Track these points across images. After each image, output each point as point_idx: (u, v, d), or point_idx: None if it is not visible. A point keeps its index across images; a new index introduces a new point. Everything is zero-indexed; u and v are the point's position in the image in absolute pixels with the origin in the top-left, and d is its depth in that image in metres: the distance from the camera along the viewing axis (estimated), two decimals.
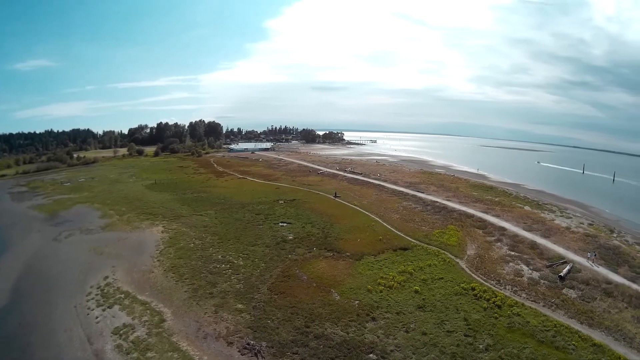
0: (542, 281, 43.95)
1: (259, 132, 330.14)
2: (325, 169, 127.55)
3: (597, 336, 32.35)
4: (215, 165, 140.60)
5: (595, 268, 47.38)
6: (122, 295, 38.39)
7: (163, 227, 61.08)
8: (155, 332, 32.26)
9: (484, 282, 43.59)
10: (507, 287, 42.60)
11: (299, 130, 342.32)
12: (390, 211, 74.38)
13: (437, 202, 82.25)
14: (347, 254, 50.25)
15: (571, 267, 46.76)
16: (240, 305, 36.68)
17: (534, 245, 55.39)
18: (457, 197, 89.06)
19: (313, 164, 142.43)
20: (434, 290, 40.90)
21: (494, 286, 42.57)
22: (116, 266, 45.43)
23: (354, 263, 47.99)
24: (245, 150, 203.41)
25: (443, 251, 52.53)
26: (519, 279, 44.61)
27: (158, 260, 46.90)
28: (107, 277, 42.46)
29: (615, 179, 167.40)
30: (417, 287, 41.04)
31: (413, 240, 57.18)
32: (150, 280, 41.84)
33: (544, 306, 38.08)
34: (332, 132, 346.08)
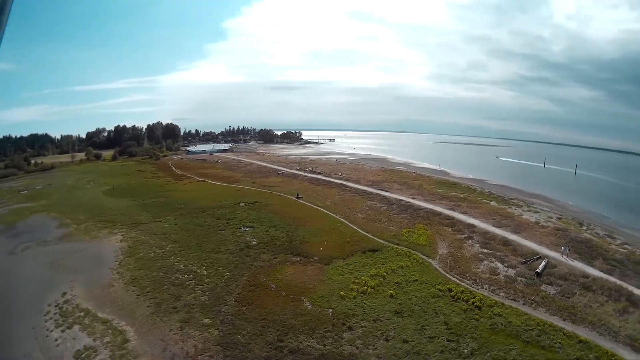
0: (519, 278, 44.47)
1: (216, 134, 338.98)
2: (285, 170, 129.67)
3: (582, 332, 33.11)
4: (174, 168, 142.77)
5: (571, 262, 48.96)
6: (82, 314, 36.80)
7: (122, 235, 60.20)
8: (119, 355, 30.45)
9: (460, 282, 43.28)
10: (484, 286, 42.58)
11: (257, 131, 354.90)
12: (355, 211, 74.21)
13: (402, 200, 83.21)
14: (315, 258, 49.67)
15: (547, 263, 47.73)
16: (207, 320, 35.38)
17: (506, 242, 56.70)
18: (422, 195, 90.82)
19: (273, 164, 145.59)
20: (409, 293, 40.12)
21: (471, 286, 42.35)
22: (75, 281, 43.98)
23: (323, 268, 46.65)
24: (204, 152, 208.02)
25: (414, 251, 52.19)
26: (495, 277, 44.90)
27: (118, 273, 45.79)
28: (65, 294, 40.81)
29: (577, 171, 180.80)
30: (392, 291, 39.92)
31: (382, 241, 56.65)
32: (111, 295, 40.68)
33: (524, 304, 38.40)
34: (290, 131, 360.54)
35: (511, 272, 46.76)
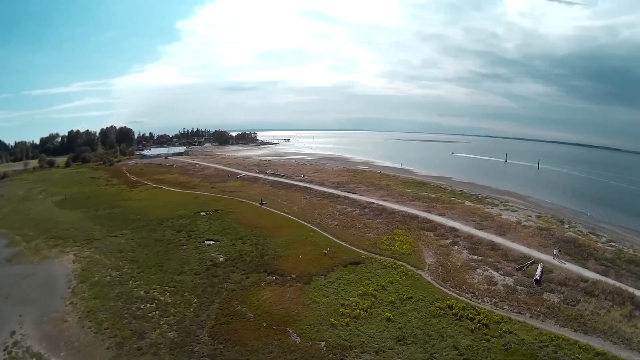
0: (518, 287, 44.41)
1: (171, 136, 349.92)
2: (244, 173, 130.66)
3: (596, 343, 33.48)
4: (128, 174, 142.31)
5: (564, 265, 50.11)
6: None
7: (74, 255, 57.63)
8: None
9: (458, 296, 42.22)
10: (485, 299, 41.91)
11: (211, 132, 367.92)
12: (326, 217, 72.76)
13: (373, 203, 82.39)
14: (292, 276, 47.37)
15: (543, 268, 48.40)
16: None
17: (494, 246, 56.85)
18: (393, 196, 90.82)
19: (230, 167, 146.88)
20: (407, 314, 38.04)
21: (471, 300, 41.50)
22: (24, 315, 40.78)
23: (303, 288, 43.94)
24: (158, 155, 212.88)
25: (400, 262, 50.76)
26: (493, 288, 44.41)
27: (71, 303, 42.66)
28: (14, 333, 37.61)
29: (540, 166, 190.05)
30: (388, 314, 37.74)
31: (362, 252, 54.96)
32: (64, 333, 37.46)
33: (530, 317, 38.34)
34: (245, 132, 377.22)
35: (509, 280, 46.48)
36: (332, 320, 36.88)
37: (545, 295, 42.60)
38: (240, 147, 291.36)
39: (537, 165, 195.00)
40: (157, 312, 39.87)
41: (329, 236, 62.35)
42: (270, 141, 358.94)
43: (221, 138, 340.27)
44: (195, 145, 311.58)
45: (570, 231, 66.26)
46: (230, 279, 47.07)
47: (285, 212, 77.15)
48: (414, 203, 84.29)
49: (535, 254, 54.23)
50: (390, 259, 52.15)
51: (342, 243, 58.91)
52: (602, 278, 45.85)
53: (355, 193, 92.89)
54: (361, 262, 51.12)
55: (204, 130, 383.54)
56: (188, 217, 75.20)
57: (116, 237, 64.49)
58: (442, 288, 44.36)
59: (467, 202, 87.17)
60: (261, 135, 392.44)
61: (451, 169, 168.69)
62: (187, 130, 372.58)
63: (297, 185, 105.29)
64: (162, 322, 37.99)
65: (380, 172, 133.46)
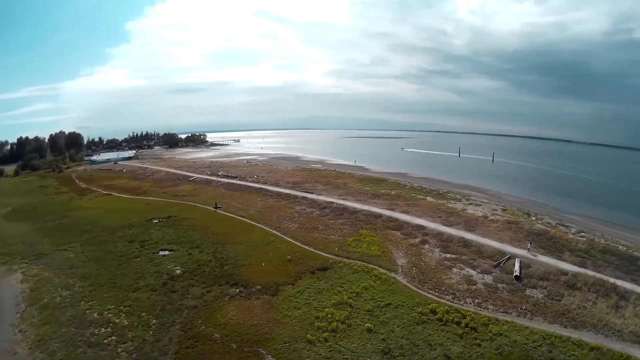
0: (499, 285, 43.89)
1: (120, 141, 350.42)
2: (196, 175, 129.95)
3: (589, 338, 33.68)
4: (78, 182, 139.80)
5: (539, 258, 50.79)
6: None
7: (22, 273, 53.97)
8: None
9: (438, 299, 40.79)
10: (468, 300, 40.82)
11: (160, 135, 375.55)
12: (286, 220, 70.70)
13: (333, 202, 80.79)
14: (258, 287, 44.28)
15: (520, 263, 48.34)
16: None
17: (466, 243, 56.45)
18: (352, 195, 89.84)
19: (181, 170, 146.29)
20: (389, 323, 35.79)
21: (453, 302, 40.23)
22: None
23: (271, 301, 40.82)
24: (108, 160, 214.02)
25: (371, 265, 48.92)
26: (474, 287, 43.54)
27: (20, 332, 38.84)
28: None
29: (494, 159, 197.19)
30: (368, 324, 35.22)
31: (329, 256, 52.71)
32: None
33: (518, 316, 37.73)
34: (194, 134, 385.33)
35: (488, 278, 45.91)
36: (309, 336, 33.94)
37: (528, 292, 42.47)
38: (190, 150, 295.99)
39: (491, 158, 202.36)
40: (113, 337, 36.49)
41: (291, 240, 59.98)
42: (220, 142, 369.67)
43: (171, 141, 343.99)
44: (144, 148, 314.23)
45: (538, 223, 67.69)
46: (190, 293, 43.76)
47: (241, 216, 75.46)
48: (375, 201, 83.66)
49: (508, 248, 54.44)
50: (359, 262, 50.23)
51: (306, 247, 56.56)
52: (581, 270, 46.66)
53: (312, 193, 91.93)
54: (329, 267, 48.78)
55: (153, 133, 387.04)
56: (140, 225, 72.47)
57: (66, 251, 60.86)
58: (420, 291, 42.78)
59: (429, 198, 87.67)
60: (211, 137, 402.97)
61: (405, 164, 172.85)
62: (137, 134, 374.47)
63: (251, 186, 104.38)
64: (119, 350, 34.64)
65: (336, 170, 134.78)
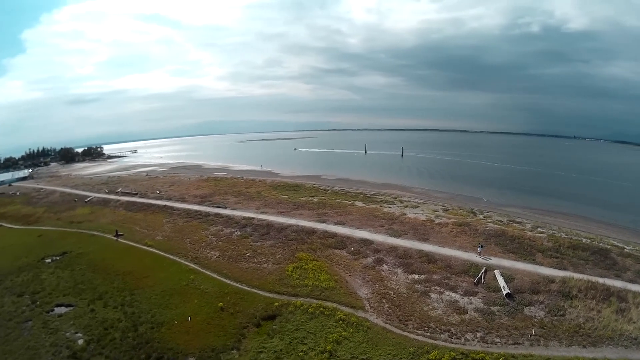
0: (493, 309, 37.48)
1: (17, 159, 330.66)
2: (93, 195, 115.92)
3: (612, 354, 31.10)
4: None
5: (518, 265, 46.52)
6: None
7: None
8: None
9: (433, 341, 32.68)
10: (468, 336, 33.38)
11: (57, 151, 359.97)
12: (202, 246, 59.45)
13: (253, 218, 70.21)
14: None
15: (506, 278, 42.73)
16: None
17: (428, 257, 49.55)
18: (271, 206, 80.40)
19: (77, 189, 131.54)
20: None
21: (452, 342, 32.56)
22: None
23: None
24: (2, 182, 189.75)
25: (329, 304, 39.32)
26: (467, 317, 36.24)
27: None
28: None
29: (403, 154, 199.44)
30: None
31: (270, 295, 42.31)
32: None
33: (531, 345, 32.62)
34: (91, 147, 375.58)
35: (477, 302, 39.18)
36: None
37: (527, 311, 37.30)
38: (88, 164, 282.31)
39: (399, 153, 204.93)
40: None
41: (216, 276, 48.63)
42: (117, 155, 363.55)
43: (67, 156, 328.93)
44: (41, 166, 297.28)
45: (489, 222, 64.29)
46: None
47: (148, 246, 63.70)
48: (300, 212, 74.93)
49: (474, 257, 49.29)
50: (314, 300, 40.39)
51: (238, 285, 45.46)
52: (563, 273, 44.02)
53: (225, 207, 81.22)
54: (277, 313, 38.18)
55: (50, 149, 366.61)
56: (31, 267, 58.76)
57: None
58: (407, 333, 34.13)
59: (358, 203, 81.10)
60: (108, 149, 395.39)
61: (315, 166, 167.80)
62: (34, 151, 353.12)
63: (155, 204, 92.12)
64: None
65: (244, 178, 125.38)
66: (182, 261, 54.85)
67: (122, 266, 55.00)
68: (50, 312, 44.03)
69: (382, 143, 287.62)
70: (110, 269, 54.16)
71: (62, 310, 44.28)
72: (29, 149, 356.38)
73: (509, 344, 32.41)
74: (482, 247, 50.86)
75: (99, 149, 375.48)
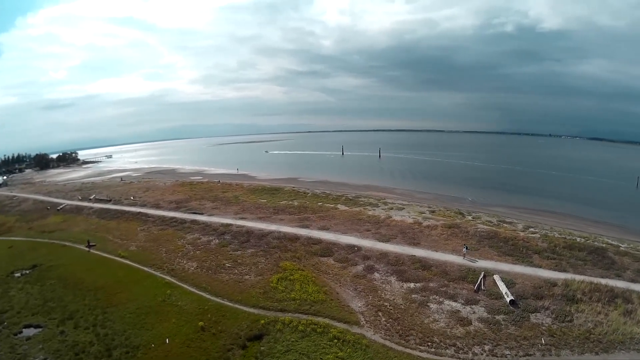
0: (498, 318, 35.27)
1: None
2: (66, 202, 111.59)
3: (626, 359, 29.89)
4: None
5: (516, 269, 44.45)
6: None
7: None
8: None
9: (438, 357, 30.16)
10: (475, 349, 31.01)
11: (32, 157, 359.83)
12: (178, 256, 55.94)
13: (231, 225, 66.67)
14: None
15: (504, 282, 40.52)
16: None
17: (422, 263, 47.01)
18: (250, 212, 77.13)
19: (50, 196, 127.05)
20: None
21: (459, 358, 30.19)
22: None
23: None
24: None
25: (320, 319, 36.21)
26: (471, 328, 33.81)
27: None
28: None
29: (381, 154, 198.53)
30: None
31: (254, 311, 38.96)
32: None
33: (543, 356, 30.78)
34: (65, 153, 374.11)
35: (480, 311, 36.73)
36: None
37: (533, 319, 35.32)
38: (62, 170, 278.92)
39: (377, 154, 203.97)
40: None
41: (195, 290, 45.00)
42: (92, 160, 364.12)
43: (42, 162, 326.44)
44: (16, 172, 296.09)
45: (479, 223, 62.57)
46: None
47: (122, 257, 60.21)
48: (281, 217, 71.62)
49: (469, 262, 46.94)
50: (303, 316, 37.15)
51: (219, 300, 41.80)
52: (564, 275, 42.49)
53: (202, 213, 77.46)
54: (264, 332, 34.72)
55: (24, 155, 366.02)
56: (0, 282, 55.59)
57: None
58: (410, 350, 31.33)
59: (340, 206, 78.37)
60: (83, 154, 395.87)
61: (293, 168, 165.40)
62: (9, 157, 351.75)
63: (128, 211, 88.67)
64: None
65: (220, 182, 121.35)
66: (158, 274, 51.25)
67: (94, 280, 51.54)
68: (19, 335, 40.57)
69: (358, 144, 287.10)
70: (82, 284, 50.70)
71: (30, 332, 40.85)
72: (4, 155, 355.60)
73: (520, 356, 30.52)
74: (467, 248, 49.15)
75: (73, 155, 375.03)
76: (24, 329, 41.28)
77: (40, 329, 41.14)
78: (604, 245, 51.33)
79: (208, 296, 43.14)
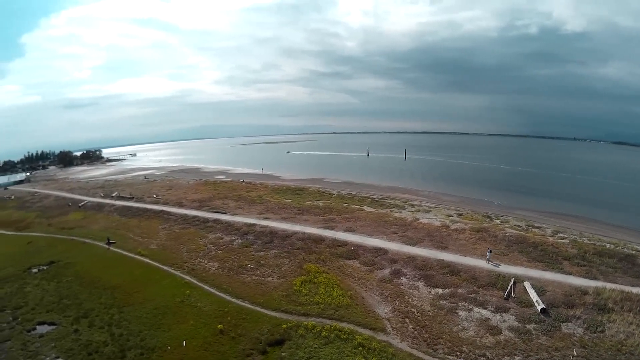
0: (529, 327, 33.89)
1: (15, 162, 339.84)
2: (87, 199, 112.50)
3: None
4: None
5: (546, 276, 42.83)
6: None
7: None
8: None
9: None
10: None
11: (56, 154, 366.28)
12: (200, 256, 55.94)
13: (255, 225, 66.91)
14: None
15: (537, 291, 39.01)
16: None
17: (450, 268, 45.84)
18: (274, 212, 77.04)
19: (73, 193, 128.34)
20: None
21: None
22: None
23: None
24: None
25: (345, 325, 35.52)
26: (502, 338, 32.57)
27: None
28: None
29: (407, 157, 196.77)
30: None
31: (276, 314, 38.50)
32: None
33: None
34: (90, 151, 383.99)
35: (510, 319, 35.46)
36: None
37: (565, 329, 33.80)
38: (85, 167, 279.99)
39: (403, 156, 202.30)
40: None
41: (215, 291, 44.74)
42: (116, 158, 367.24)
43: (65, 159, 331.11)
44: (39, 169, 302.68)
45: (507, 227, 60.92)
46: None
47: (142, 255, 59.83)
48: (306, 218, 71.18)
49: (502, 267, 45.36)
50: (327, 321, 36.53)
51: (239, 302, 41.51)
52: (595, 283, 40.82)
53: (225, 212, 77.53)
54: (286, 337, 34.20)
55: (48, 152, 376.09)
56: (15, 278, 55.19)
57: None
58: None
59: (366, 208, 77.70)
60: (107, 153, 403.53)
61: (318, 169, 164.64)
62: (32, 154, 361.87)
63: (150, 209, 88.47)
64: None
65: (244, 181, 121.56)
66: (178, 273, 51.26)
67: (112, 278, 51.43)
68: (32, 331, 40.50)
69: (382, 145, 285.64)
70: (99, 282, 50.61)
71: (44, 329, 40.75)
72: (28, 152, 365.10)
73: None
74: (490, 252, 48.14)
75: (97, 152, 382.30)
76: (37, 326, 41.52)
77: (54, 327, 41.30)
78: (633, 252, 49.24)
79: (228, 298, 42.97)
